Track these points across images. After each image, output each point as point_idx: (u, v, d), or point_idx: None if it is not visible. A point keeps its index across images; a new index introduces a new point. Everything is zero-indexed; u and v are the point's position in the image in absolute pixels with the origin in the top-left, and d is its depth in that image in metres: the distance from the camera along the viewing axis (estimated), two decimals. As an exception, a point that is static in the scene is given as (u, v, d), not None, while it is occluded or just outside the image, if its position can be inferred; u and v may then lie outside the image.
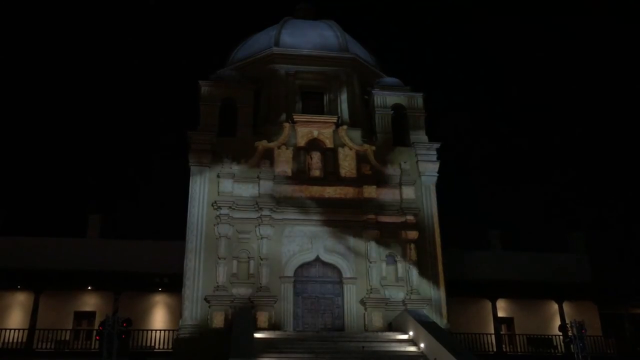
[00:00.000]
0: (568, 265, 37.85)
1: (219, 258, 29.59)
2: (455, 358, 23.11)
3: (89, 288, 32.98)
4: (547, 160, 68.69)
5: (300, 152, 32.35)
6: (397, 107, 34.57)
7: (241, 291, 29.31)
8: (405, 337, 27.22)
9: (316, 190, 31.55)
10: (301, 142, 32.52)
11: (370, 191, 31.62)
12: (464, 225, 45.30)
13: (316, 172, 32.18)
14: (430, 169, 32.69)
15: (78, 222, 37.46)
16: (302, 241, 30.71)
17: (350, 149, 32.76)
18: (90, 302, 33.40)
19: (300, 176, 31.85)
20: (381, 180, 32.13)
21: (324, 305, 30.16)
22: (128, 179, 59.95)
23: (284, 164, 31.94)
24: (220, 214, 30.17)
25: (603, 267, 39.06)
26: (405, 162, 32.59)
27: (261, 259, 29.85)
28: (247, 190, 30.96)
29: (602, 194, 60.44)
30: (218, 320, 28.37)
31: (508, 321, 35.79)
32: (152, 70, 75.18)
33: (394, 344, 26.75)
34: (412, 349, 26.09)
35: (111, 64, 77.28)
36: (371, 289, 30.01)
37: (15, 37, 69.99)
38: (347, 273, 30.46)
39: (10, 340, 30.36)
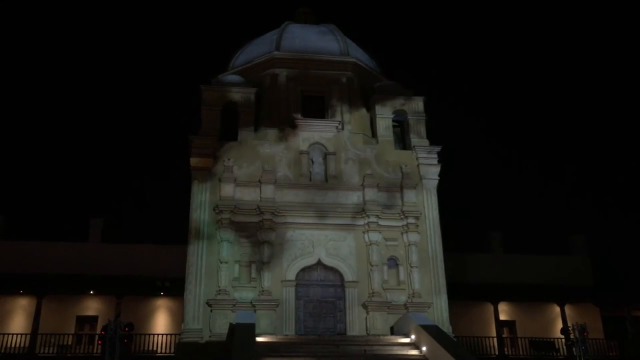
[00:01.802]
0: (570, 268, 37.90)
1: (221, 262, 29.59)
2: (457, 361, 23.09)
3: (91, 292, 33.09)
4: (548, 162, 68.70)
5: (302, 156, 32.39)
6: (398, 111, 34.60)
7: (243, 295, 29.32)
8: (407, 340, 27.16)
9: (318, 194, 31.57)
10: (302, 146, 32.57)
11: (371, 195, 31.63)
12: (465, 228, 45.31)
13: (317, 176, 32.23)
14: (431, 173, 32.69)
15: (80, 226, 37.56)
16: (303, 245, 30.72)
17: (352, 152, 32.81)
18: (92, 306, 33.51)
19: (301, 180, 31.88)
20: (382, 184, 32.16)
21: (326, 309, 30.17)
22: (130, 183, 60.02)
23: (286, 168, 32.00)
24: (221, 218, 30.17)
25: (605, 270, 39.07)
26: (406, 166, 32.61)
27: (263, 263, 29.86)
28: (248, 194, 30.99)
29: (603, 196, 60.45)
30: (220, 324, 28.31)
31: (510, 324, 35.85)
32: (154, 75, 75.38)
33: (395, 348, 26.71)
34: (414, 352, 26.03)
35: (113, 69, 77.44)
36: (373, 293, 30.00)
37: (17, 41, 70.19)
38: (348, 276, 30.47)
39: (13, 345, 30.48)
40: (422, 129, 34.17)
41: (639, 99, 69.48)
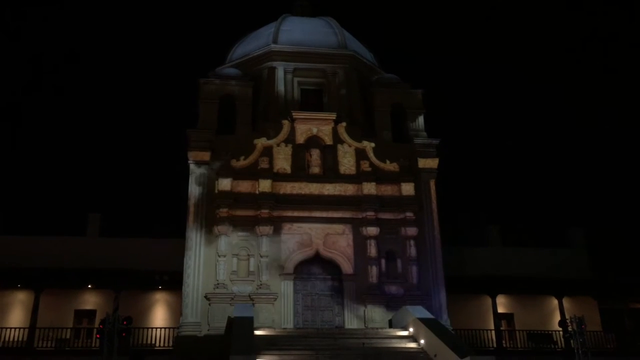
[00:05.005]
0: (568, 260, 37.86)
1: (219, 255, 29.61)
2: (455, 354, 23.11)
3: (89, 286, 32.99)
4: (546, 155, 68.71)
5: (300, 149, 32.33)
6: (396, 104, 34.55)
7: (241, 288, 29.36)
8: (405, 333, 27.21)
9: (315, 188, 31.54)
10: (300, 139, 32.50)
11: (369, 188, 31.59)
12: (463, 221, 45.29)
13: (315, 169, 32.17)
14: (429, 165, 32.64)
15: (78, 220, 37.43)
16: (301, 238, 30.73)
17: (350, 145, 32.74)
18: (90, 300, 33.42)
19: (299, 173, 31.83)
20: (380, 177, 32.10)
21: (324, 302, 30.20)
22: (127, 177, 59.87)
23: (283, 161, 31.94)
24: (219, 211, 30.15)
25: (603, 263, 39.10)
26: (404, 159, 32.54)
27: (261, 256, 29.87)
28: (246, 187, 30.94)
29: (601, 188, 60.46)
30: (218, 318, 28.35)
31: (508, 317, 35.82)
32: (151, 69, 75.11)
33: (394, 340, 26.75)
34: (412, 345, 26.08)
35: (110, 63, 77.22)
36: (371, 286, 30.02)
37: (15, 32, 69.88)
38: (347, 270, 30.48)
39: (11, 339, 30.41)
40: (421, 122, 34.16)
41: (637, 94, 69.43)
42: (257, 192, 30.80)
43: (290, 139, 32.42)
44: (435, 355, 24.34)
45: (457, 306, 32.23)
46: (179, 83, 76.82)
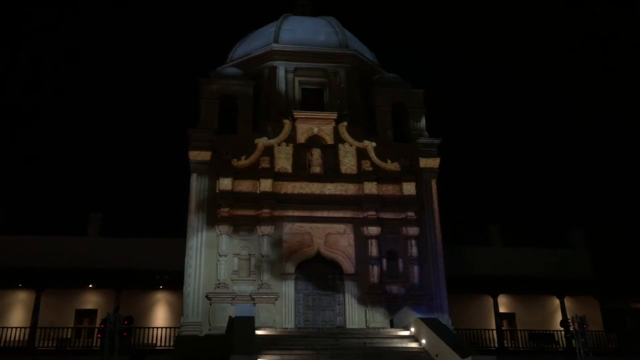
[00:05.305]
0: (569, 260, 37.85)
1: (220, 255, 29.59)
2: (456, 354, 23.10)
3: (90, 286, 32.99)
4: (546, 155, 68.63)
5: (301, 149, 32.30)
6: (397, 103, 34.52)
7: (242, 288, 29.33)
8: (406, 333, 27.20)
9: (316, 187, 31.51)
10: (301, 138, 32.48)
11: (370, 187, 31.57)
12: (464, 221, 45.20)
13: (316, 169, 32.15)
14: (430, 165, 32.60)
15: (79, 220, 37.40)
16: (302, 238, 30.69)
17: (351, 145, 32.72)
18: (91, 300, 33.43)
19: (300, 173, 31.81)
20: (382, 177, 32.07)
21: (325, 302, 30.17)
22: (128, 177, 59.79)
23: (284, 161, 31.91)
24: (220, 211, 30.12)
25: (604, 262, 39.04)
26: (405, 158, 32.51)
27: (262, 256, 29.84)
28: (247, 187, 30.91)
29: (601, 188, 60.38)
30: (219, 318, 28.32)
31: (509, 317, 35.81)
32: (151, 68, 75.05)
33: (395, 340, 26.74)
34: (414, 345, 26.07)
35: (111, 62, 77.21)
36: (372, 285, 29.99)
37: (15, 30, 69.91)
38: (348, 269, 30.45)
39: (12, 338, 30.42)
40: (422, 121, 34.13)
41: (636, 94, 69.35)
42: (258, 191, 30.77)
43: (291, 139, 32.39)
44: (436, 355, 24.33)
45: (459, 306, 32.20)
46: (180, 83, 76.77)
